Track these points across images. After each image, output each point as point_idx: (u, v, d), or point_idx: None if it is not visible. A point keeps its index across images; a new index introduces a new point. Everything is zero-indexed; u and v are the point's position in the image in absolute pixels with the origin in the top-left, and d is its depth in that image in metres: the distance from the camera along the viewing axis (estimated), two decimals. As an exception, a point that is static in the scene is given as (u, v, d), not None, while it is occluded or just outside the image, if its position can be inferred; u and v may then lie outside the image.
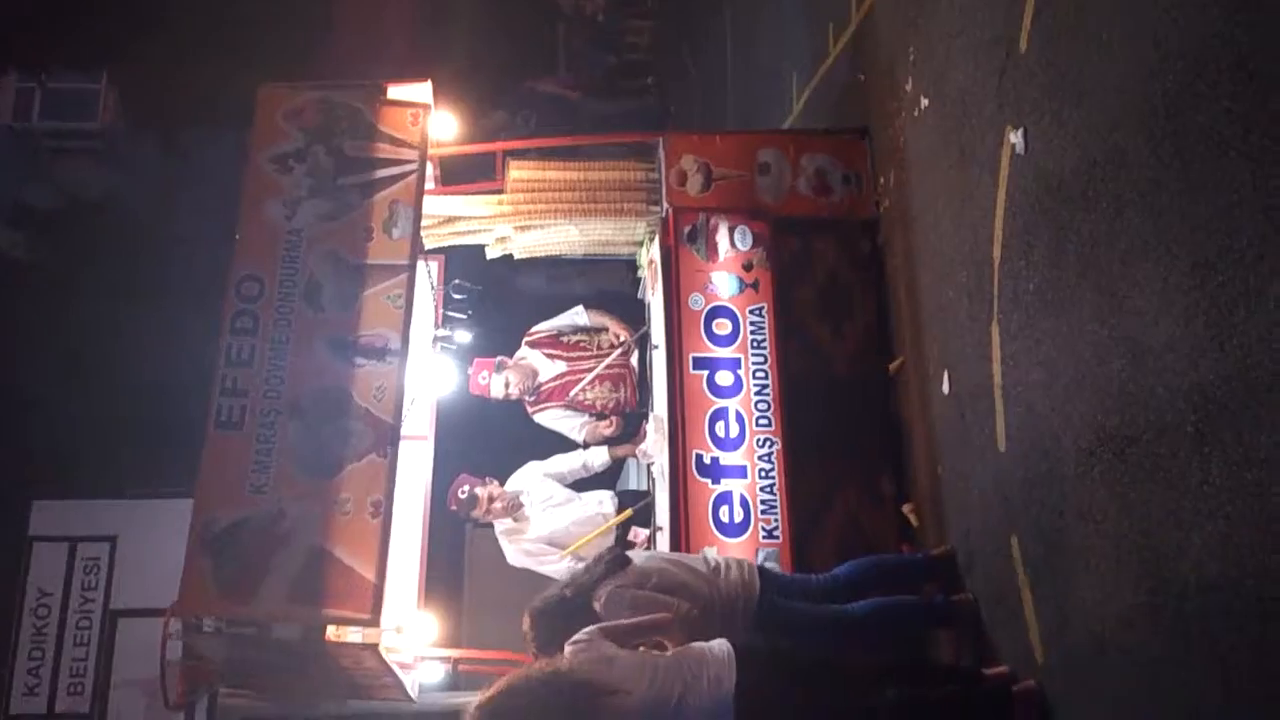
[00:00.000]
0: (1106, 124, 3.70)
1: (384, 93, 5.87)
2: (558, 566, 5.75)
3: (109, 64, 16.18)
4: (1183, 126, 3.32)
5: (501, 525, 6.07)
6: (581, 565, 4.45)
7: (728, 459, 5.35)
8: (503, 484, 6.13)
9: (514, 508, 6.01)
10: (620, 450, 6.24)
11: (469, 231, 6.28)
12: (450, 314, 6.52)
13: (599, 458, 6.20)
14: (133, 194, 14.92)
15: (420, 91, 5.90)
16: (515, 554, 6.04)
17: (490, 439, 7.37)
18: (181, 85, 15.03)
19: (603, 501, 6.04)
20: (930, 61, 5.32)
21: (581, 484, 6.30)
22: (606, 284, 9.62)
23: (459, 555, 7.69)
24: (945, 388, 4.93)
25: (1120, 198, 3.61)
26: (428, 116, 5.82)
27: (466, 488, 6.00)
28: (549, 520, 6.00)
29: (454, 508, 6.04)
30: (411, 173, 5.64)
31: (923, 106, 5.36)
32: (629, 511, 5.93)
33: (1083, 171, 3.84)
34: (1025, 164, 4.25)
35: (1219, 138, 3.16)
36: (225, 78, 13.43)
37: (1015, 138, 4.31)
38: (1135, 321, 3.49)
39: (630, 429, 6.27)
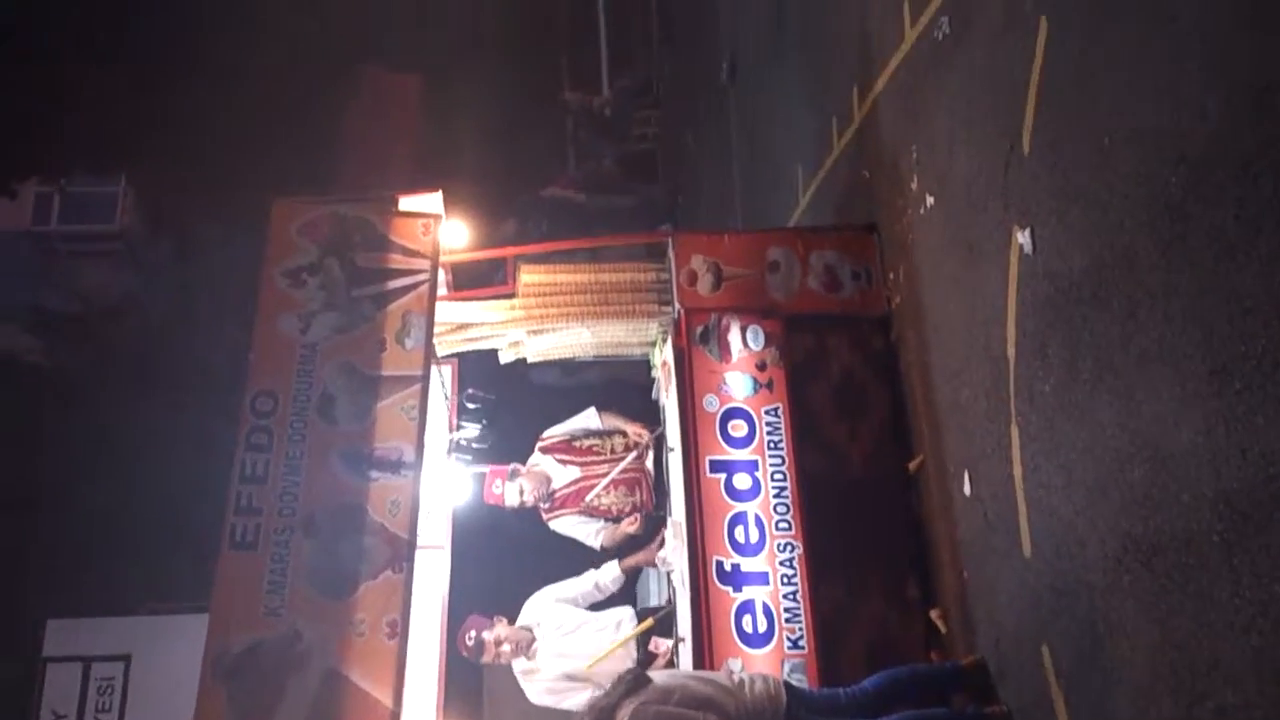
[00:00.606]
0: (1113, 226, 3.70)
1: (395, 204, 5.93)
2: (580, 699, 5.57)
3: (128, 167, 16.47)
4: (1190, 229, 3.31)
5: (518, 666, 5.93)
6: (601, 691, 4.37)
7: (749, 565, 5.27)
8: (513, 620, 5.97)
9: (525, 646, 5.85)
10: (632, 560, 6.13)
11: (482, 337, 6.29)
12: (464, 423, 6.51)
13: (610, 575, 6.05)
14: (150, 297, 15.08)
15: (431, 202, 5.96)
16: (536, 693, 5.88)
17: (507, 546, 7.30)
18: (199, 187, 15.27)
19: (621, 623, 5.92)
20: (934, 160, 5.35)
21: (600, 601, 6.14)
22: (622, 372, 9.63)
23: (477, 678, 7.57)
24: (966, 488, 4.87)
25: (1132, 300, 3.59)
26: (439, 226, 5.86)
27: (474, 633, 5.88)
28: (565, 649, 5.85)
29: (464, 654, 5.91)
30: (424, 282, 5.66)
31: (929, 204, 5.38)
32: (650, 621, 5.83)
33: (1092, 272, 3.83)
34: (1035, 263, 4.24)
35: (1228, 241, 3.15)
36: (242, 180, 13.66)
37: (1023, 237, 4.31)
38: (1155, 427, 3.44)
39: (650, 531, 6.19)
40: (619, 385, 8.52)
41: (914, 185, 5.59)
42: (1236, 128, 3.11)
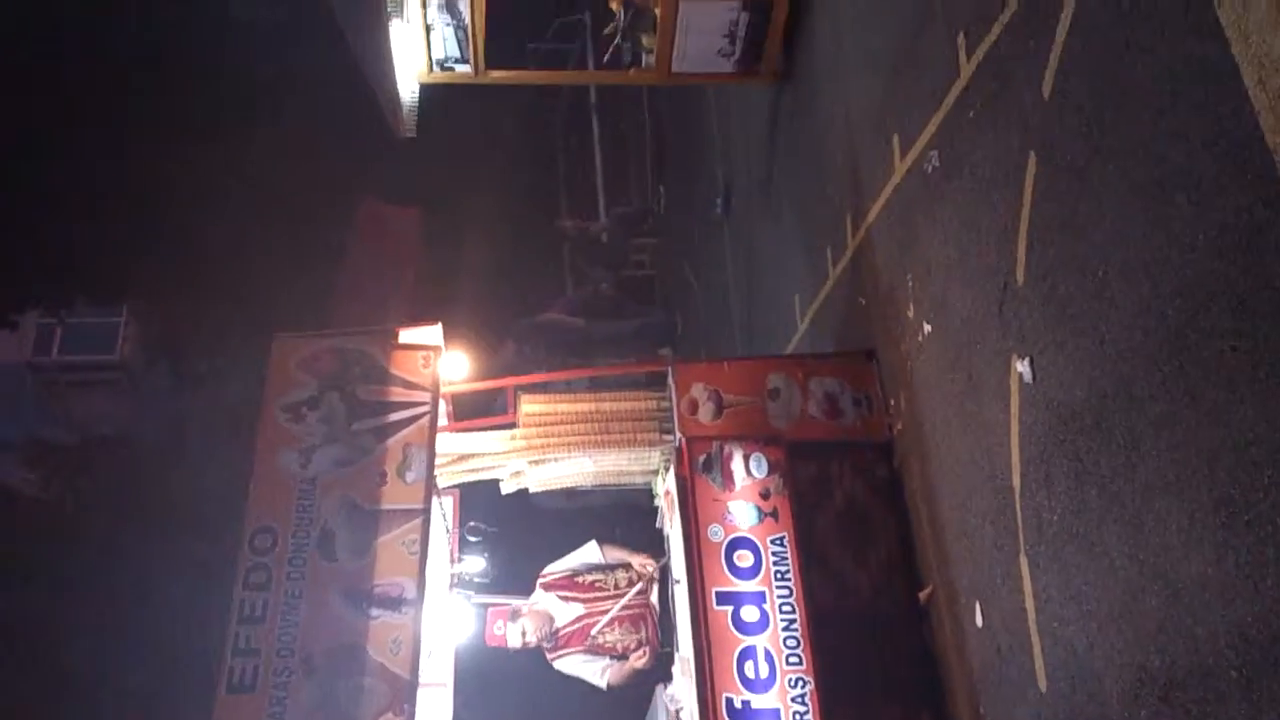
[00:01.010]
0: (1112, 357, 3.74)
1: (395, 337, 5.99)
2: None
3: (130, 298, 16.62)
4: (1189, 361, 3.34)
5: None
6: None
7: (760, 702, 5.17)
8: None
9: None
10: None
11: (484, 468, 6.28)
12: (466, 555, 6.45)
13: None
14: (147, 428, 15.05)
15: (431, 334, 6.02)
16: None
17: (512, 684, 7.17)
18: (200, 319, 15.41)
19: None
20: (929, 289, 5.43)
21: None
22: (626, 496, 9.58)
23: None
24: (979, 620, 4.81)
25: (1134, 431, 3.61)
26: (439, 358, 5.91)
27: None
28: None
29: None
30: (424, 414, 5.68)
31: (926, 333, 5.43)
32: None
33: (1094, 403, 3.85)
34: (1035, 393, 4.27)
35: (1227, 374, 3.18)
36: (243, 312, 13.80)
37: (1022, 367, 4.35)
38: (1165, 558, 3.42)
39: (661, 669, 6.06)
40: (624, 509, 8.46)
41: (910, 313, 5.65)
42: (1229, 263, 3.17)
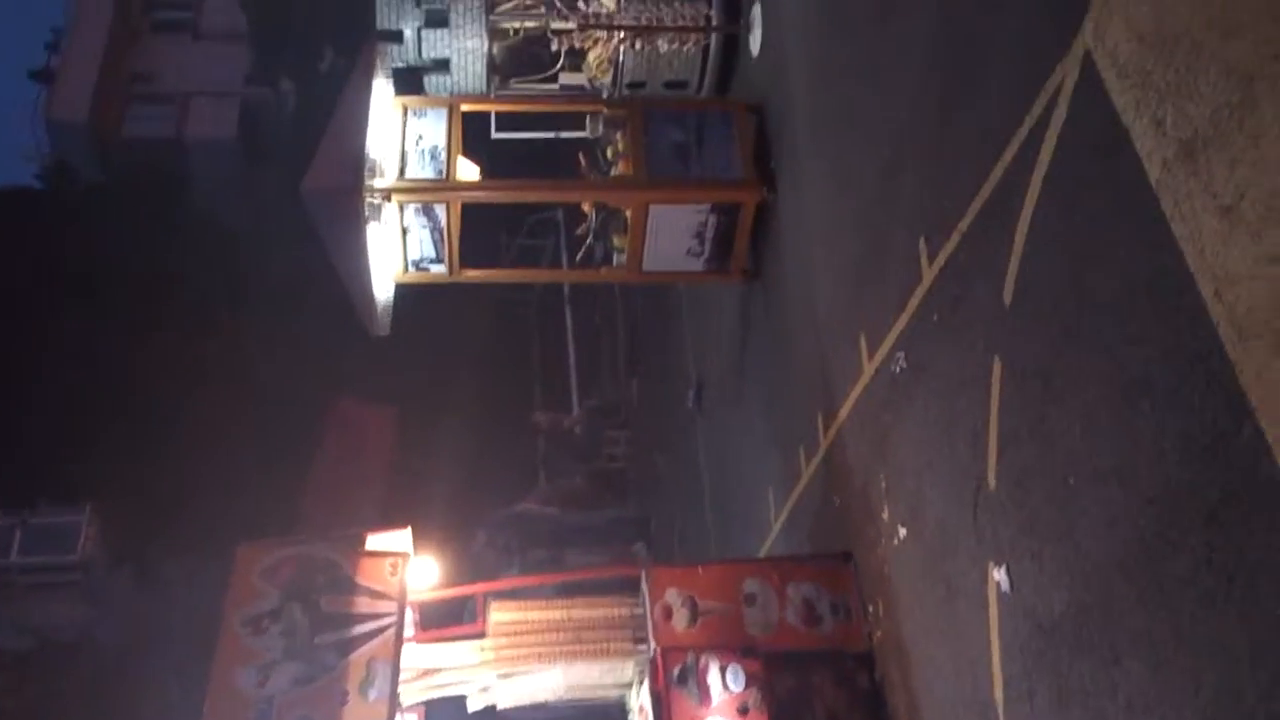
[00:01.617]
0: (1088, 566, 3.66)
1: (363, 543, 5.87)
2: None
3: (94, 498, 16.34)
4: (1164, 574, 3.27)
5: None
6: None
7: None
8: None
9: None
10: None
11: (450, 683, 6.04)
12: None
13: None
14: (105, 632, 14.57)
15: (400, 539, 5.90)
16: None
17: None
18: (167, 518, 15.13)
19: None
20: (902, 490, 5.38)
21: None
22: (597, 709, 9.24)
23: None
24: (964, 843, 4.56)
25: (1115, 645, 3.50)
26: (407, 565, 5.78)
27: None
28: None
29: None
30: (390, 626, 5.52)
31: (902, 535, 5.36)
32: None
33: (1073, 614, 3.75)
34: (1014, 603, 4.17)
35: (1204, 587, 3.11)
36: (212, 511, 13.56)
37: (999, 575, 4.26)
38: (1156, 783, 3.26)
39: None
40: (593, 715, 8.12)
41: (885, 515, 5.59)
42: (1197, 473, 3.14)
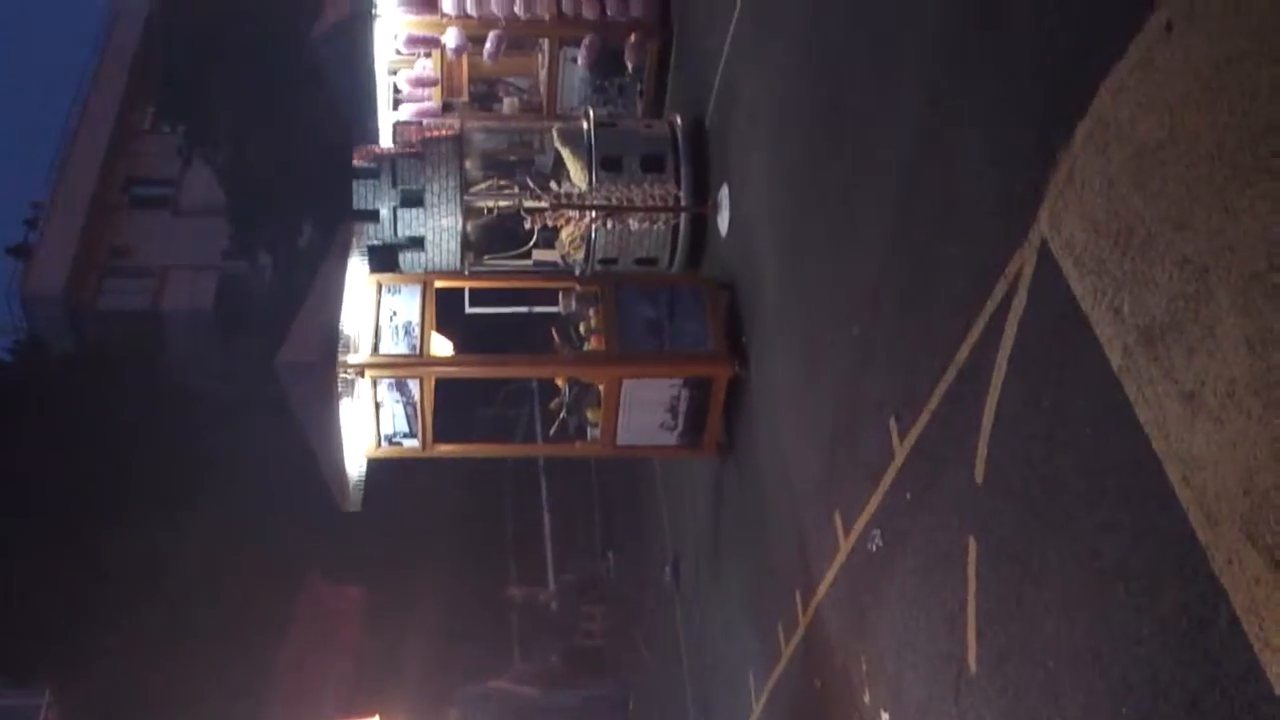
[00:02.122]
0: (1076, 758, 3.57)
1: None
2: None
3: (54, 678, 15.81)
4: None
5: None
6: None
7: None
8: None
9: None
10: None
11: None
12: None
13: None
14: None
15: (367, 729, 5.69)
16: None
17: None
18: (126, 704, 14.60)
19: None
20: (883, 673, 5.27)
21: None
22: None
23: None
24: None
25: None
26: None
27: None
28: None
29: None
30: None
31: (884, 720, 5.23)
32: None
33: (1062, 809, 3.63)
34: (1001, 793, 4.04)
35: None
36: (173, 697, 13.11)
37: (984, 763, 4.14)
38: None
39: None
40: None
41: (867, 699, 5.46)
42: (1176, 659, 3.10)
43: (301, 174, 19.94)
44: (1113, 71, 3.55)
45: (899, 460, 5.23)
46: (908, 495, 5.12)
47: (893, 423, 5.30)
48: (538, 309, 9.82)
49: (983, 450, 4.36)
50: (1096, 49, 3.62)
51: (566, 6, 10.46)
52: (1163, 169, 3.32)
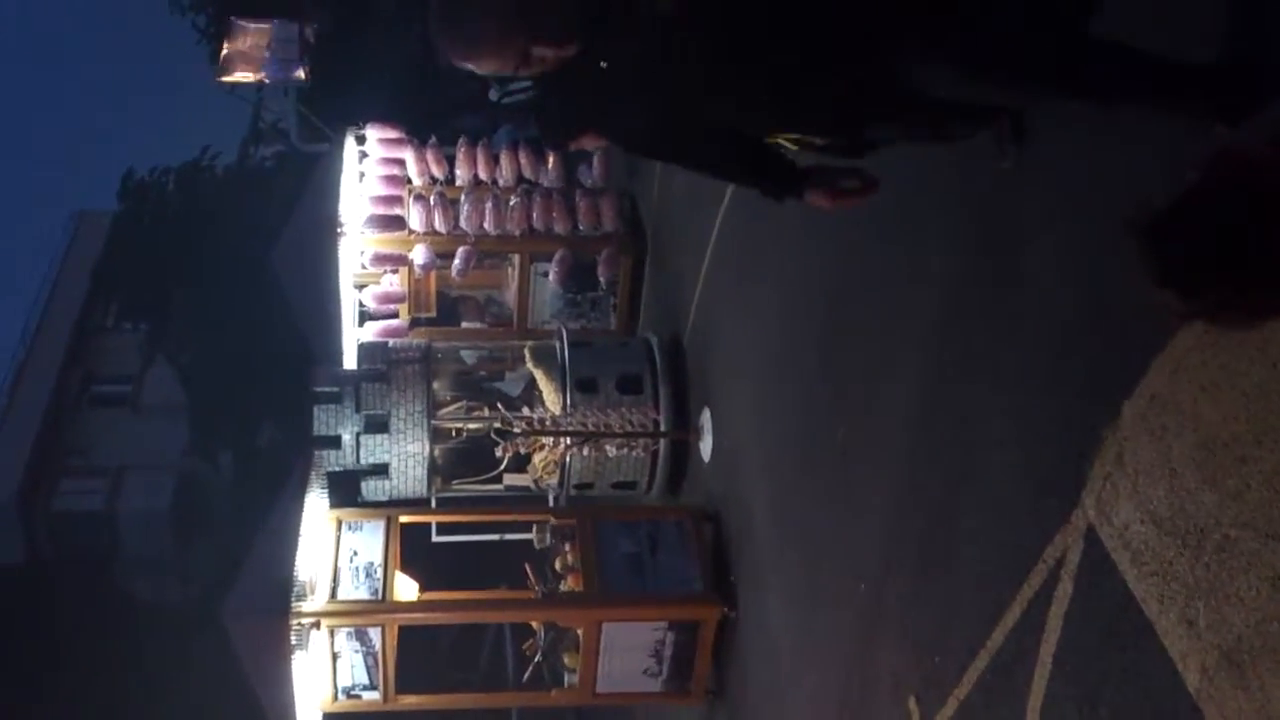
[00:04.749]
0: None
1: None
2: None
3: None
4: None
5: None
6: None
7: None
8: None
9: None
10: None
11: None
12: None
13: None
14: None
15: None
16: None
17: None
18: None
19: None
20: None
21: None
22: None
23: None
24: None
25: None
26: None
27: None
28: None
29: None
30: None
31: None
32: None
33: None
34: None
35: None
36: None
37: None
38: None
39: None
40: None
41: None
42: None
43: (261, 378, 19.58)
44: (1165, 349, 3.17)
45: (923, 751, 4.64)
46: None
47: (913, 704, 4.72)
48: (509, 536, 9.25)
49: (1027, 762, 3.79)
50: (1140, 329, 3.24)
51: (537, 222, 10.27)
52: (1242, 467, 2.89)
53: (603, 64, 2.67)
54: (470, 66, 2.67)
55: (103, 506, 26.95)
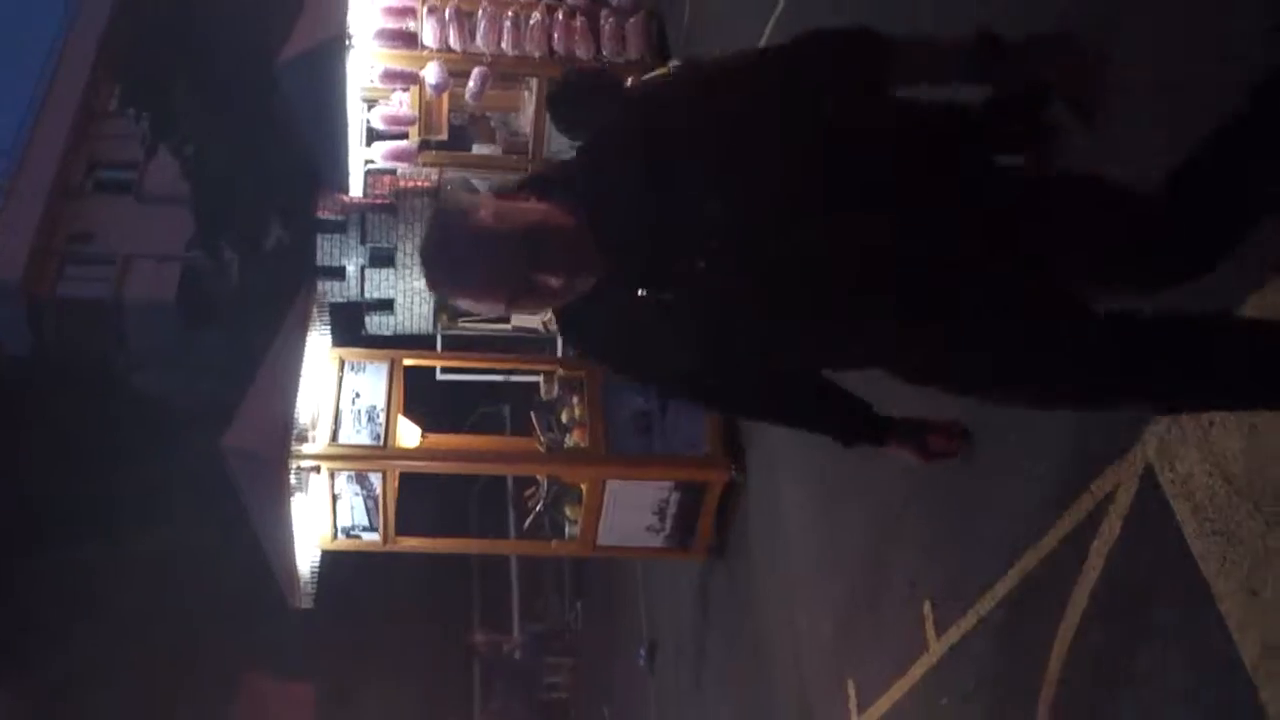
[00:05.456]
0: None
1: None
2: None
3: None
4: None
5: None
6: None
7: None
8: None
9: None
10: None
11: None
12: None
13: None
14: None
15: None
16: None
17: None
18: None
19: None
20: None
21: None
22: None
23: None
24: None
25: None
26: None
27: None
28: None
29: None
30: None
31: None
32: None
33: None
34: None
35: None
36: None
37: None
38: None
39: None
40: None
41: None
42: None
43: (268, 179, 19.01)
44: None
45: (934, 656, 4.49)
46: (944, 701, 4.39)
47: (928, 608, 4.56)
48: (514, 376, 9.04)
49: (1046, 696, 3.63)
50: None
51: (558, 43, 9.64)
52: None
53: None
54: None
55: (110, 294, 26.75)
